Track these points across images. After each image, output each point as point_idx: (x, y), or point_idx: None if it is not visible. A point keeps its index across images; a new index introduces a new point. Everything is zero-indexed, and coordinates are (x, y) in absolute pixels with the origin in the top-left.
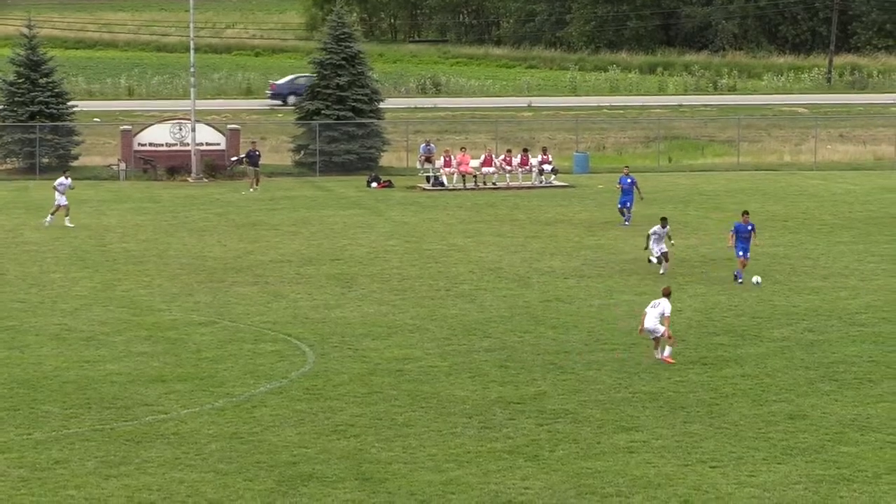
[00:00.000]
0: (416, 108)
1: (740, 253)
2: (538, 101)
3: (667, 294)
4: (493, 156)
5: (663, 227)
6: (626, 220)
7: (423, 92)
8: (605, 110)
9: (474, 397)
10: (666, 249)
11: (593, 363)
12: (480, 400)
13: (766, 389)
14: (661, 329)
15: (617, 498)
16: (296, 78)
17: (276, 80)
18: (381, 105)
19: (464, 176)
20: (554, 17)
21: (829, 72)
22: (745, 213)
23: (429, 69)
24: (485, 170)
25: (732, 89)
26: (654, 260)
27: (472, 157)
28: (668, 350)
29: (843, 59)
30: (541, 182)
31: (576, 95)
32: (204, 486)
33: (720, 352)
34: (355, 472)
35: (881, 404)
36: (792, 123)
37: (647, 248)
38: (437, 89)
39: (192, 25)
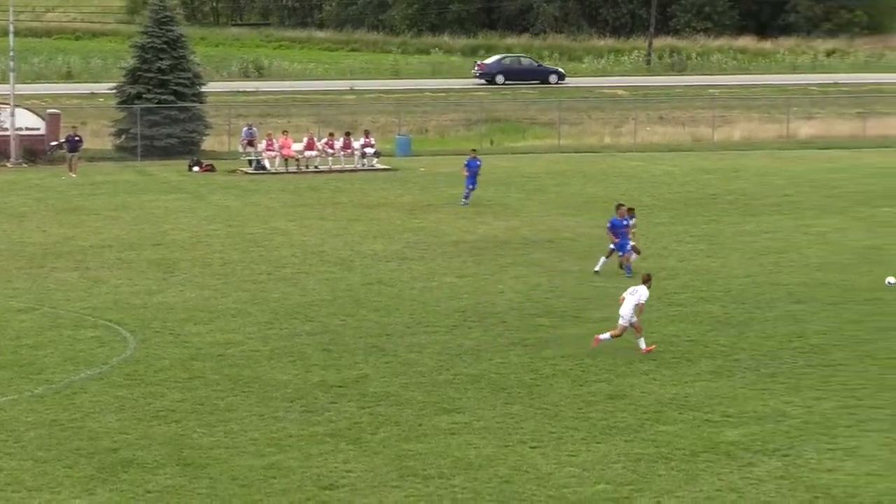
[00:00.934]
0: (238, 91)
1: (621, 252)
2: (361, 85)
3: (646, 281)
4: (316, 139)
5: (630, 217)
6: (465, 200)
7: (245, 76)
8: (427, 93)
9: (296, 381)
10: (633, 243)
11: (415, 346)
12: (302, 384)
13: (586, 370)
14: (634, 318)
15: (438, 480)
16: (502, 58)
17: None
18: (204, 89)
19: (286, 159)
20: (376, 1)
21: (649, 54)
22: (620, 205)
23: (251, 53)
24: (307, 153)
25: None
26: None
27: (295, 141)
28: (642, 343)
29: (662, 42)
30: (363, 165)
31: (398, 78)
32: (23, 475)
33: (541, 333)
34: (176, 457)
35: (699, 383)
36: (612, 106)
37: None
38: (260, 73)
39: (11, 9)
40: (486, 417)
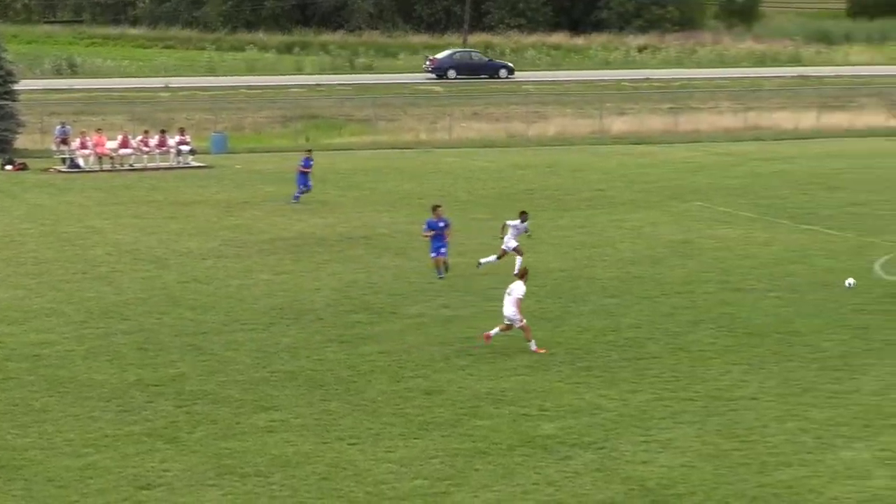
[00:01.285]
0: (51, 89)
1: (433, 253)
2: (175, 82)
3: (521, 276)
4: (130, 137)
5: (523, 221)
6: (295, 197)
7: (58, 73)
8: (242, 90)
9: (112, 381)
10: (517, 245)
11: (232, 343)
12: (118, 383)
13: (403, 366)
14: (518, 319)
15: (256, 478)
16: (454, 53)
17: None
18: (16, 87)
19: (100, 157)
20: None
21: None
22: (436, 206)
23: (64, 50)
24: (122, 151)
25: (369, 68)
26: (488, 261)
27: (109, 139)
28: (533, 345)
29: (477, 38)
30: (178, 163)
31: (214, 76)
32: None
33: (357, 329)
34: None
35: (515, 378)
36: (428, 102)
37: (501, 237)
38: (73, 70)
39: None
40: (303, 414)
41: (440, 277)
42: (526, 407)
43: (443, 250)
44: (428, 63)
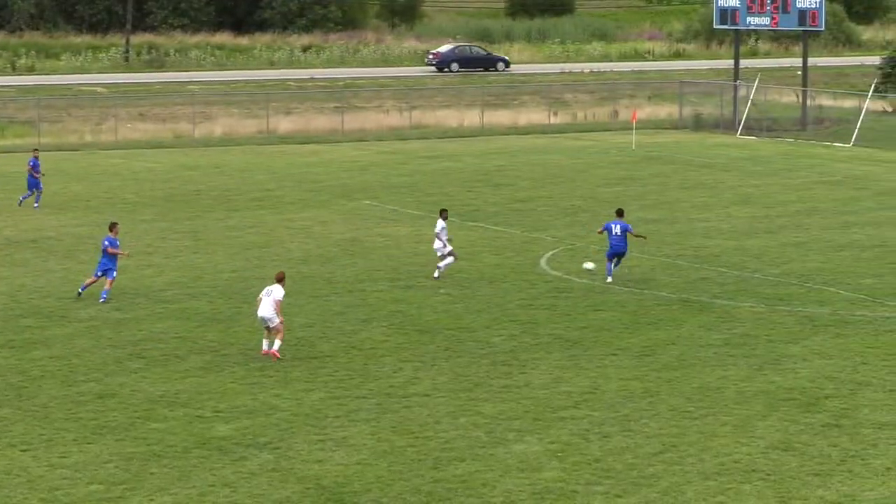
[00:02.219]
0: None
1: (98, 274)
2: None
3: (280, 279)
4: None
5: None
6: (35, 201)
7: None
8: None
9: None
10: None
11: None
12: None
13: (75, 370)
14: (277, 319)
15: None
16: (455, 48)
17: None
18: None
19: None
20: None
21: (127, 51)
22: (112, 224)
23: None
24: None
25: (31, 69)
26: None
27: None
28: (277, 344)
29: (140, 39)
30: None
31: None
32: None
33: (27, 334)
34: None
35: (189, 379)
36: (92, 103)
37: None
38: None
39: None
40: None
41: (101, 301)
42: (200, 409)
43: (113, 274)
44: (431, 56)
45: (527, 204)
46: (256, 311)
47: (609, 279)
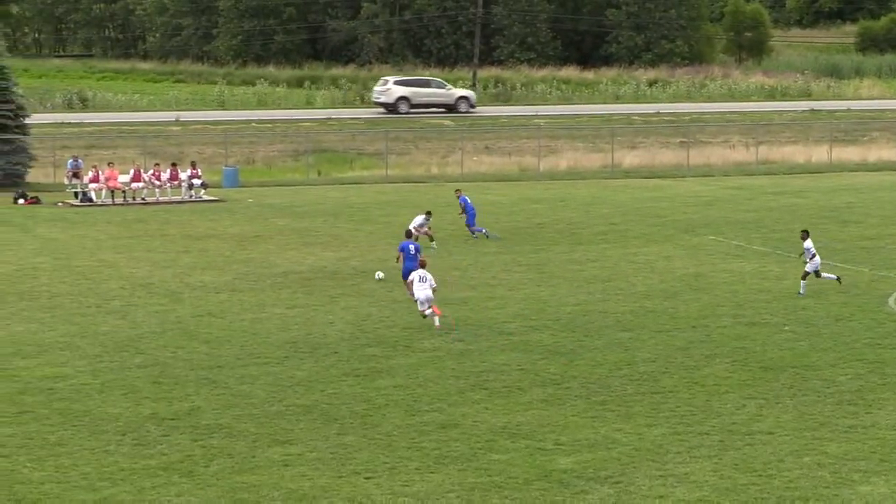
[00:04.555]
0: (62, 123)
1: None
2: (186, 116)
3: (423, 265)
4: (142, 171)
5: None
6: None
7: (69, 107)
8: (253, 124)
9: (127, 414)
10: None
11: (247, 377)
12: (133, 417)
13: (418, 399)
14: (431, 299)
15: None
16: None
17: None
18: (27, 121)
19: (112, 191)
20: (201, 32)
21: (474, 84)
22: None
23: (75, 84)
24: (134, 185)
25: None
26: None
27: (121, 172)
28: (437, 320)
29: (487, 72)
30: (190, 196)
31: (224, 109)
32: None
33: (372, 363)
34: (7, 493)
35: (530, 412)
36: (439, 136)
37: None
38: (84, 104)
39: None
40: (319, 448)
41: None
42: (542, 441)
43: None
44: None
45: (875, 242)
46: (413, 293)
47: None
